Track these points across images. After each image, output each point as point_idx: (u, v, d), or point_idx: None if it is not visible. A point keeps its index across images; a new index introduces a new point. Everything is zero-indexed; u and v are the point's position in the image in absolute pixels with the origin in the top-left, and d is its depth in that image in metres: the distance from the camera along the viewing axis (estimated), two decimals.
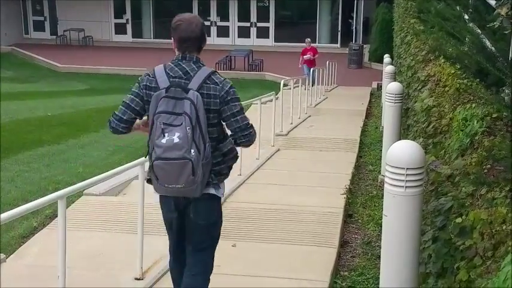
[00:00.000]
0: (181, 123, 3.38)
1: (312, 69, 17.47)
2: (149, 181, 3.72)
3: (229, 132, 3.69)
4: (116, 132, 3.71)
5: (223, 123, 3.65)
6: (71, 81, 22.41)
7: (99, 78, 22.94)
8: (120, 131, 3.70)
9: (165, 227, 3.99)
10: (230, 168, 3.77)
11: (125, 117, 3.65)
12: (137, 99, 3.62)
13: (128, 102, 3.65)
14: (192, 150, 3.38)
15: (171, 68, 3.60)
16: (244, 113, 3.64)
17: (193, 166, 3.38)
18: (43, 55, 27.39)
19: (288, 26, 30.58)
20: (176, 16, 3.63)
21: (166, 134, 3.40)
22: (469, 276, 2.97)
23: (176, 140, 3.37)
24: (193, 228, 3.77)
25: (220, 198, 3.78)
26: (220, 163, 3.65)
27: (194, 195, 3.55)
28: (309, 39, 20.24)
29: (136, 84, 3.66)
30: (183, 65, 3.58)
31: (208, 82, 3.52)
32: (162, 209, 3.86)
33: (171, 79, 3.53)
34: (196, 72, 3.54)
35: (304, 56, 19.55)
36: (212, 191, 3.64)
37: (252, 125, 3.69)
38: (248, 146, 3.76)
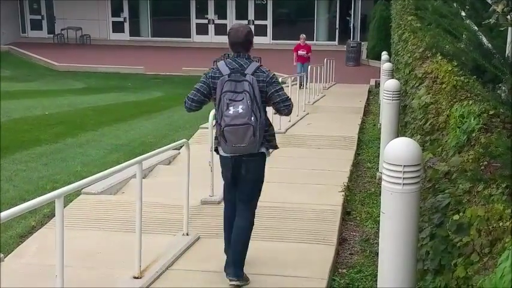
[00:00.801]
0: (243, 99, 4.65)
1: (309, 66, 17.11)
2: (216, 150, 5.03)
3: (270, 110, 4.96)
4: (189, 110, 4.99)
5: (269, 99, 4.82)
6: (69, 80, 22.37)
7: (97, 77, 22.90)
8: (192, 110, 4.98)
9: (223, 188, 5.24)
10: (273, 140, 4.97)
11: (195, 98, 4.88)
12: (205, 86, 4.86)
13: (198, 87, 4.89)
14: (252, 118, 4.64)
15: (230, 62, 4.82)
16: (283, 90, 4.87)
17: (253, 129, 4.65)
18: (40, 54, 27.34)
19: (286, 24, 30.57)
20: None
21: (231, 107, 4.64)
22: (466, 273, 2.98)
23: (240, 110, 4.62)
24: (244, 183, 4.96)
25: (266, 157, 4.98)
26: (267, 130, 4.88)
27: (253, 151, 4.77)
28: (304, 36, 19.22)
29: (204, 75, 4.91)
30: (238, 60, 4.81)
31: (258, 71, 4.78)
32: (222, 168, 5.07)
33: (230, 69, 4.74)
34: (248, 65, 4.78)
35: (299, 52, 18.59)
36: (263, 149, 4.89)
37: (290, 98, 4.86)
38: (288, 114, 4.98)
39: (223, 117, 4.67)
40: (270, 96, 4.78)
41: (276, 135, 4.91)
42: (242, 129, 4.62)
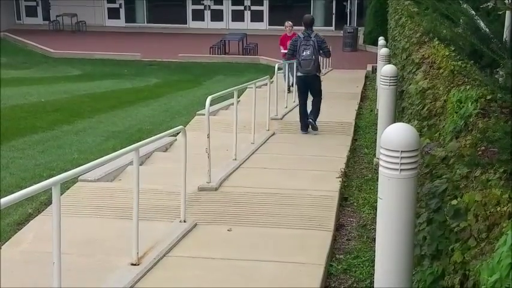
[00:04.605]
0: (310, 48, 9.82)
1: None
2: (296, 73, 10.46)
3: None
4: (288, 60, 11.27)
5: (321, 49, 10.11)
6: (65, 66, 22.27)
7: (93, 64, 22.80)
8: (290, 59, 10.69)
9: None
10: (320, 70, 10.48)
11: (290, 53, 10.22)
12: (292, 45, 10.05)
13: (290, 47, 10.14)
14: (313, 57, 9.85)
15: (303, 32, 10.03)
16: (328, 46, 10.29)
17: (314, 62, 9.89)
18: (36, 41, 27.19)
19: (282, 9, 30.35)
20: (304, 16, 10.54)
21: (304, 52, 9.82)
22: (463, 258, 2.98)
23: (308, 53, 9.82)
24: (314, 90, 10.18)
25: (320, 77, 10.38)
26: (319, 65, 10.23)
27: (313, 73, 10.00)
28: (290, 23, 14.86)
29: (292, 41, 10.26)
30: (307, 32, 10.03)
31: (317, 37, 10.01)
32: (298, 83, 10.36)
33: (303, 35, 9.98)
34: (311, 33, 10.04)
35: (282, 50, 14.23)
36: (318, 73, 10.19)
37: (330, 50, 10.69)
38: (329, 57, 11.83)
39: (300, 56, 9.80)
40: (322, 48, 9.96)
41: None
42: (308, 61, 9.77)
